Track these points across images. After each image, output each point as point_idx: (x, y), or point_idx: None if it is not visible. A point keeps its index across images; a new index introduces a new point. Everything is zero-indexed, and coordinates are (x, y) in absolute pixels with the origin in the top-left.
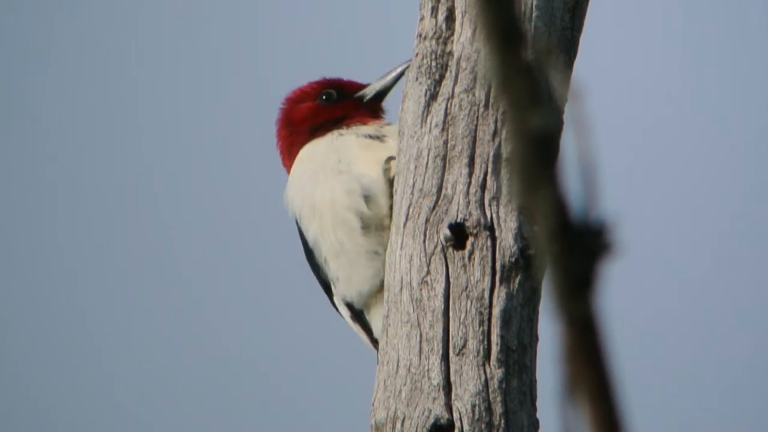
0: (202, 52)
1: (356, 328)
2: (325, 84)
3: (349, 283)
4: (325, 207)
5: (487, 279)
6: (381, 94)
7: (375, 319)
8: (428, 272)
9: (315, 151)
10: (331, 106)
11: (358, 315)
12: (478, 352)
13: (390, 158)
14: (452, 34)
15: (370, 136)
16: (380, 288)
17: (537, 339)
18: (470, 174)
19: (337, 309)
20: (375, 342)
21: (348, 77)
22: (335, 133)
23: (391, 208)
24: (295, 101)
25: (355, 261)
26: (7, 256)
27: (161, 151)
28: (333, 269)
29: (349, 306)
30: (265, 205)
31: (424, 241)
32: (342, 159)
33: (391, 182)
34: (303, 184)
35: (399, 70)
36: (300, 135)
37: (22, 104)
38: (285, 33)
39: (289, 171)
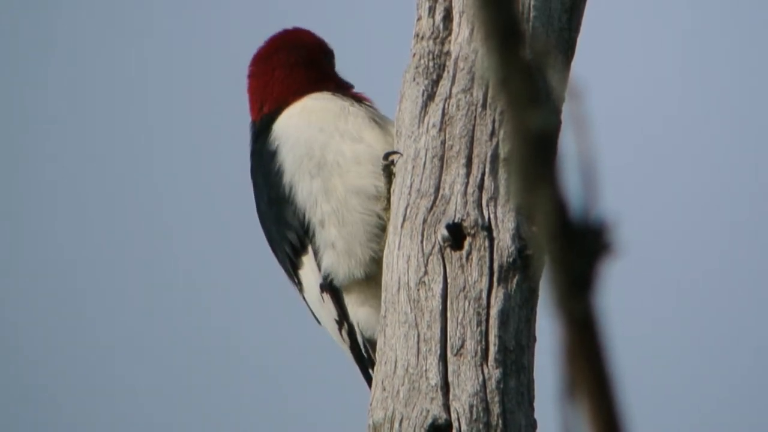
0: (205, 52)
1: (325, 299)
2: (329, 50)
3: (347, 258)
4: (339, 168)
5: (485, 279)
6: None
7: (350, 305)
8: (426, 272)
9: (325, 108)
10: (332, 73)
11: (332, 288)
12: (476, 353)
13: (389, 153)
14: (450, 34)
15: (375, 120)
16: (370, 279)
17: (535, 339)
18: (468, 174)
19: (294, 267)
20: (341, 321)
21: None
22: (343, 98)
23: (388, 201)
24: (310, 40)
25: (359, 234)
26: (10, 256)
27: (164, 151)
28: (331, 234)
29: (327, 279)
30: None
31: (422, 242)
32: (352, 126)
33: (390, 178)
34: (310, 138)
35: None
36: (307, 85)
37: (21, 104)
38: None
39: (269, 102)
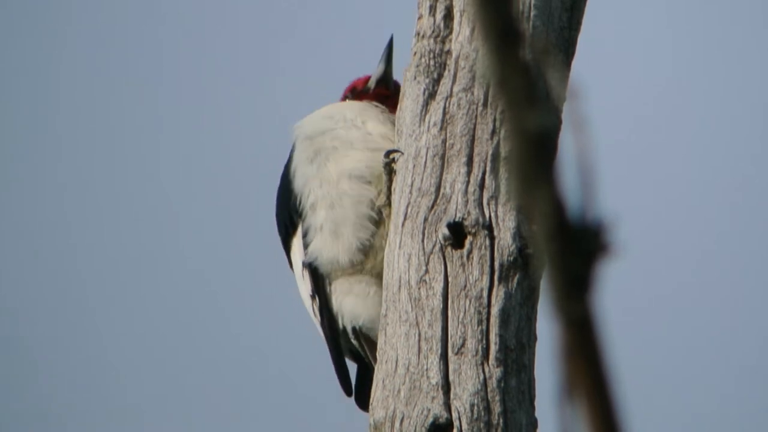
0: (210, 53)
1: (305, 275)
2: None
3: (333, 240)
4: (335, 152)
5: (486, 278)
6: (381, 81)
7: (336, 294)
8: (427, 271)
9: (340, 104)
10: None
11: (313, 268)
12: (477, 352)
13: (390, 152)
14: (450, 32)
15: (386, 114)
16: (357, 268)
17: (535, 338)
18: (469, 173)
19: (287, 250)
20: (314, 295)
21: (348, 78)
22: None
23: (388, 197)
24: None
25: (348, 218)
26: (17, 256)
27: (170, 152)
28: (320, 217)
29: (312, 267)
30: (269, 206)
31: (423, 240)
32: (357, 117)
33: (390, 176)
34: (316, 123)
35: (384, 54)
36: None
37: (21, 104)
38: (282, 32)
39: None
